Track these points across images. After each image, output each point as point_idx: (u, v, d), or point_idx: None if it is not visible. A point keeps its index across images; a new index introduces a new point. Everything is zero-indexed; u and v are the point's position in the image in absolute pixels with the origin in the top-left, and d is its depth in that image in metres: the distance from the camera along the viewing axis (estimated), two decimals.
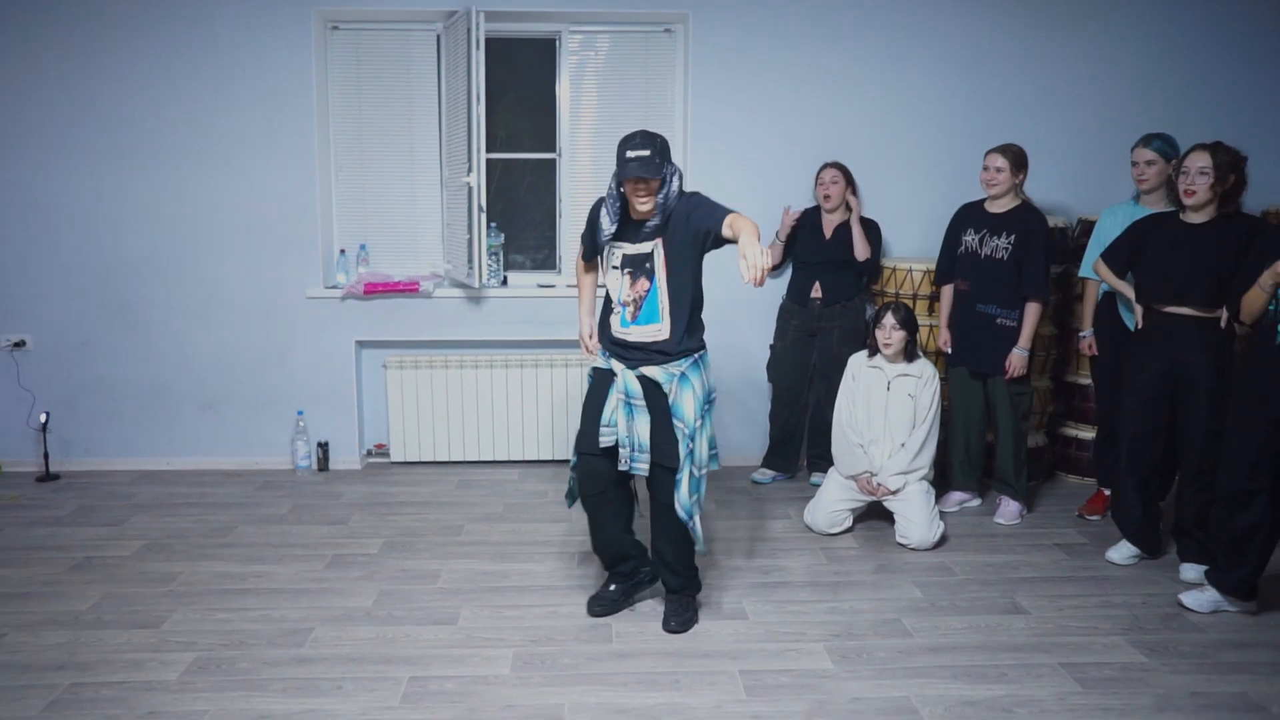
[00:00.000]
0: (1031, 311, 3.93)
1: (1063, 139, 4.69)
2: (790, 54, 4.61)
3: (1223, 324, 3.29)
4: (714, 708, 2.65)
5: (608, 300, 3.10)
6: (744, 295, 4.38)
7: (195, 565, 3.59)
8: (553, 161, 4.88)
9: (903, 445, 3.84)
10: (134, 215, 4.59)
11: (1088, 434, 4.49)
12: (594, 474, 3.05)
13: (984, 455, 4.26)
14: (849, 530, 3.95)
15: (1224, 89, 4.68)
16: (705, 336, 3.08)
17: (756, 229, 2.68)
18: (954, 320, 4.14)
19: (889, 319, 3.82)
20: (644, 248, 2.95)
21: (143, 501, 4.31)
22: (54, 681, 2.76)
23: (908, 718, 2.60)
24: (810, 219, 4.47)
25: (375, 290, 4.65)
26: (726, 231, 2.78)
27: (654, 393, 2.97)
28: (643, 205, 2.89)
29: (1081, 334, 4.07)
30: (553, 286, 4.80)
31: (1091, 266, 3.83)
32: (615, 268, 3.02)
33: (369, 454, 4.92)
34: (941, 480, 4.21)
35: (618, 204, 2.96)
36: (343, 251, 4.77)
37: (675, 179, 2.91)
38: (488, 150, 4.52)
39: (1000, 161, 3.94)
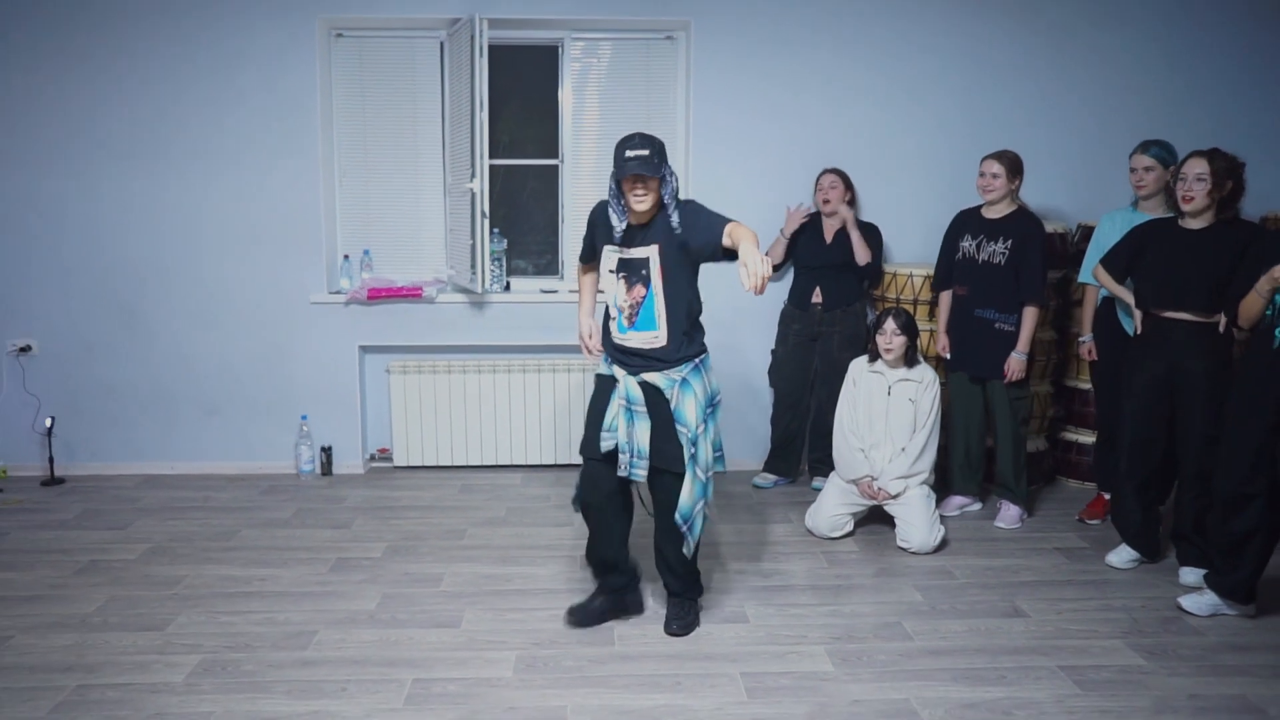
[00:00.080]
0: (1029, 315, 3.96)
1: (1062, 144, 4.71)
2: (791, 60, 4.64)
3: (1221, 329, 3.30)
4: (715, 710, 2.66)
5: (608, 305, 3.12)
6: (745, 300, 4.39)
7: (200, 568, 3.61)
8: (555, 167, 4.90)
9: (903, 450, 3.86)
10: (138, 220, 4.62)
11: (1088, 439, 4.50)
12: (595, 481, 3.06)
13: (984, 459, 4.27)
14: (850, 534, 3.96)
15: (1222, 95, 4.70)
16: (706, 340, 3.09)
17: (755, 237, 2.70)
18: (953, 325, 4.16)
19: (890, 324, 3.84)
20: (639, 253, 2.96)
21: (147, 505, 4.33)
22: (61, 683, 2.78)
23: None
24: (811, 224, 4.50)
25: (379, 295, 4.67)
26: (726, 241, 2.79)
27: (656, 398, 2.98)
28: (640, 205, 2.89)
29: (1081, 339, 4.09)
30: (555, 292, 4.82)
31: (1091, 272, 3.85)
32: (611, 271, 3.03)
33: (372, 458, 4.94)
34: (942, 484, 4.22)
35: (620, 202, 2.97)
36: (346, 257, 4.80)
37: (672, 180, 2.93)
38: (491, 156, 4.56)
39: (996, 167, 3.97)
